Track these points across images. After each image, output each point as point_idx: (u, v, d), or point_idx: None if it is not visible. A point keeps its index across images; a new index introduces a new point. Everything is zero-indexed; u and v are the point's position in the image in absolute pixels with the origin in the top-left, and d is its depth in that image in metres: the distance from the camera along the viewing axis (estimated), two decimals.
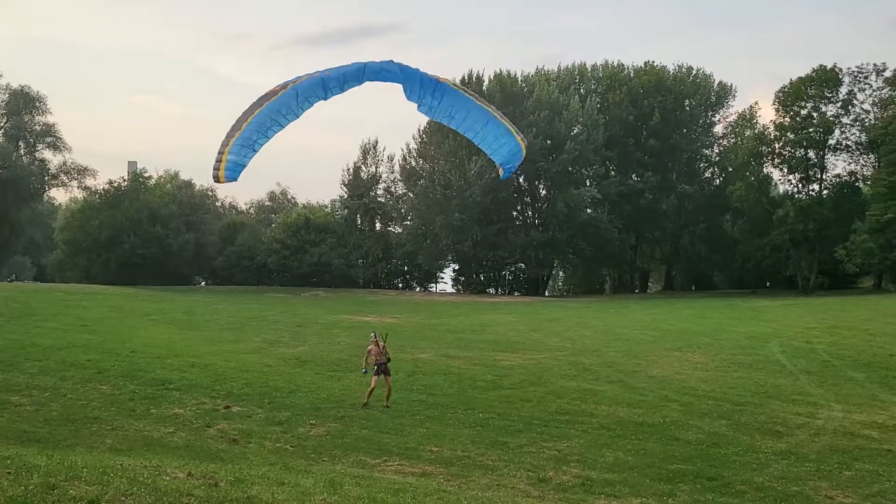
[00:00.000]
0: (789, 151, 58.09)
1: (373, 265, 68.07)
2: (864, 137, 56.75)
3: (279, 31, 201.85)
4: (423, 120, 67.87)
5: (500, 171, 14.71)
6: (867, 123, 56.61)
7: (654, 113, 64.25)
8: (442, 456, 13.80)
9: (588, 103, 63.78)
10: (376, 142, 71.25)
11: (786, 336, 29.97)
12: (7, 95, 72.36)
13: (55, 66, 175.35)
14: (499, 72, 66.01)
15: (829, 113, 56.88)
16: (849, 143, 57.67)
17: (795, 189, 60.26)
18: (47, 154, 74.90)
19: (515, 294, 67.91)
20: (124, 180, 67.39)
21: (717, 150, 69.31)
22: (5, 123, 73.64)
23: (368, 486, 9.07)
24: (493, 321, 37.00)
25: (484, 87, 64.86)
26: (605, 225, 62.77)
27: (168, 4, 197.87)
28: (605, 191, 63.18)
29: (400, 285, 71.56)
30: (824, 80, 56.02)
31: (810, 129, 56.24)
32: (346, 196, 71.41)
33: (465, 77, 66.19)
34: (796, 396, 19.93)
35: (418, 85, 13.33)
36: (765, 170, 60.40)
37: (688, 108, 67.39)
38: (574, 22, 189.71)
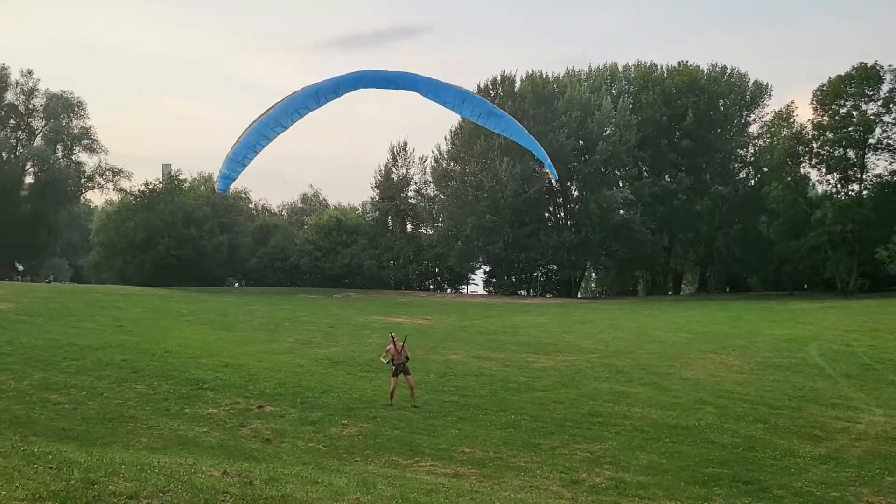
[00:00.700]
0: (828, 151, 57.05)
1: (404, 266, 68.22)
2: None
3: (309, 33, 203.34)
4: (453, 121, 68.01)
5: (550, 175, 15.43)
6: None
7: (688, 113, 63.59)
8: (474, 457, 13.75)
9: (620, 104, 63.35)
10: (405, 143, 71.47)
11: (824, 339, 29.44)
12: (45, 99, 73.88)
13: (88, 68, 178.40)
14: (530, 73, 65.90)
15: (869, 111, 55.77)
16: (890, 142, 56.43)
17: (834, 189, 59.22)
18: (83, 157, 76.40)
19: (547, 296, 67.60)
20: (159, 182, 68.31)
21: (752, 151, 68.35)
22: (44, 127, 75.16)
23: (401, 486, 9.06)
24: (525, 323, 36.86)
25: (515, 89, 64.77)
26: (638, 226, 62.28)
27: (201, 8, 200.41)
28: (637, 192, 62.69)
29: (431, 287, 71.64)
30: (865, 77, 54.95)
31: (850, 128, 55.17)
32: (377, 198, 71.70)
33: (497, 78, 66.19)
34: (836, 400, 19.55)
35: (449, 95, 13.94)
36: (802, 170, 59.44)
37: (722, 108, 66.54)
38: (604, 22, 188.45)
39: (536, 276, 71.72)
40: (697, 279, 77.08)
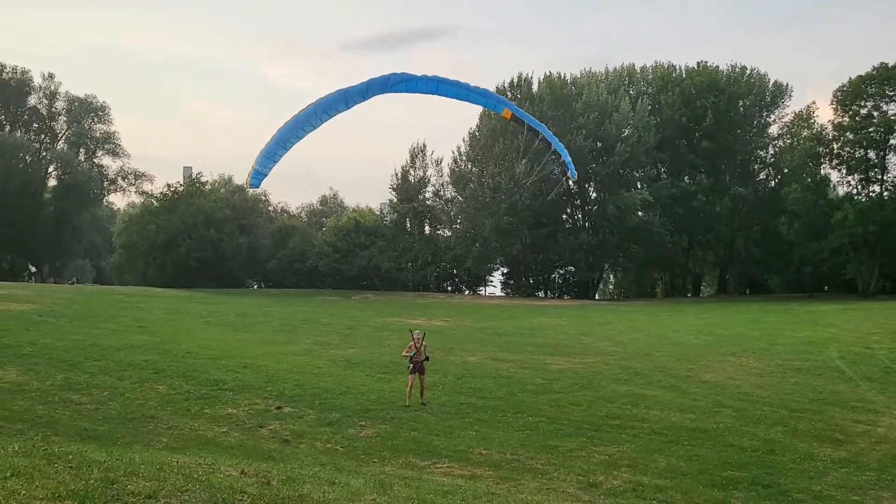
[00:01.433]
0: (848, 152, 56.52)
1: (422, 268, 68.31)
2: None
3: (331, 37, 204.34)
4: (472, 124, 68.04)
5: (569, 172, 16.40)
6: None
7: (707, 114, 63.23)
8: (491, 459, 13.76)
9: (639, 105, 63.08)
10: (424, 146, 71.67)
11: (845, 341, 29.16)
12: (67, 103, 74.80)
13: (113, 72, 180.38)
14: (548, 74, 65.82)
15: (890, 112, 55.17)
16: None
17: (855, 191, 58.62)
18: (106, 160, 77.28)
19: (565, 297, 67.45)
20: (180, 185, 68.93)
21: (772, 152, 67.83)
22: (67, 131, 76.08)
23: (418, 488, 9.09)
24: (543, 325, 36.80)
25: (533, 90, 64.68)
26: (657, 228, 61.98)
27: (223, 12, 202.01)
28: (656, 193, 62.38)
29: (449, 288, 71.68)
30: (886, 77, 54.39)
31: (871, 129, 54.65)
32: (395, 200, 71.85)
33: (515, 80, 66.12)
34: (856, 403, 19.36)
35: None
36: (822, 171, 58.93)
37: (742, 109, 66.10)
38: (623, 23, 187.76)
39: (554, 277, 71.58)
40: (717, 281, 76.57)
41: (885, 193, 56.81)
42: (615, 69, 70.31)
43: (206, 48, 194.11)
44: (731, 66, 67.65)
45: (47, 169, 75.37)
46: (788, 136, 63.80)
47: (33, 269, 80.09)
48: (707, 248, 72.88)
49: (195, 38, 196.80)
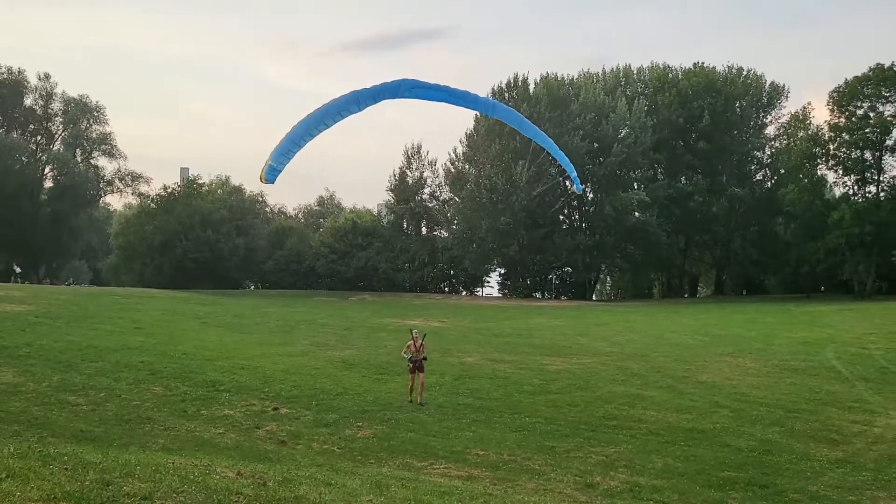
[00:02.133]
0: (844, 153, 56.62)
1: (419, 269, 68.26)
2: None
3: (328, 37, 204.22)
4: (468, 124, 68.06)
5: (574, 187, 16.86)
6: None
7: (704, 115, 63.29)
8: (488, 459, 13.77)
9: (636, 106, 63.12)
10: (420, 146, 71.65)
11: (841, 342, 29.22)
12: (63, 104, 74.64)
13: (111, 73, 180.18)
14: (545, 75, 65.82)
15: (886, 113, 55.28)
16: None
17: (851, 191, 58.72)
18: (102, 161, 77.15)
19: (562, 298, 67.45)
20: (177, 186, 68.87)
21: (768, 152, 67.88)
22: (63, 132, 75.94)
23: (414, 489, 9.09)
24: (540, 325, 36.82)
25: (530, 91, 64.69)
26: (654, 228, 62.00)
27: (221, 12, 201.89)
28: (653, 194, 62.41)
29: (446, 289, 71.64)
30: (882, 78, 54.48)
31: (867, 130, 54.73)
32: (392, 200, 71.83)
33: (511, 81, 66.10)
34: (853, 403, 19.40)
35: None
36: (819, 172, 59.02)
37: (738, 110, 66.17)
38: (621, 23, 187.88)
39: (551, 278, 71.57)
40: (714, 282, 76.64)
41: (882, 194, 56.91)
42: (612, 70, 70.36)
43: (206, 48, 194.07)
44: (728, 66, 67.76)
45: (44, 170, 75.20)
46: (785, 136, 63.90)
47: (18, 270, 79.73)
48: (704, 249, 72.96)
49: (194, 39, 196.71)
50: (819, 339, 30.27)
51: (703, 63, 67.91)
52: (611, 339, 31.36)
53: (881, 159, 56.69)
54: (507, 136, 59.80)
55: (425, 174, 71.20)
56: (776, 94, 67.18)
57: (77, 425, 14.72)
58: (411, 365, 18.56)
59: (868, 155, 56.69)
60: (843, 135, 55.53)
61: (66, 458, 7.25)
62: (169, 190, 68.06)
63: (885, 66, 54.64)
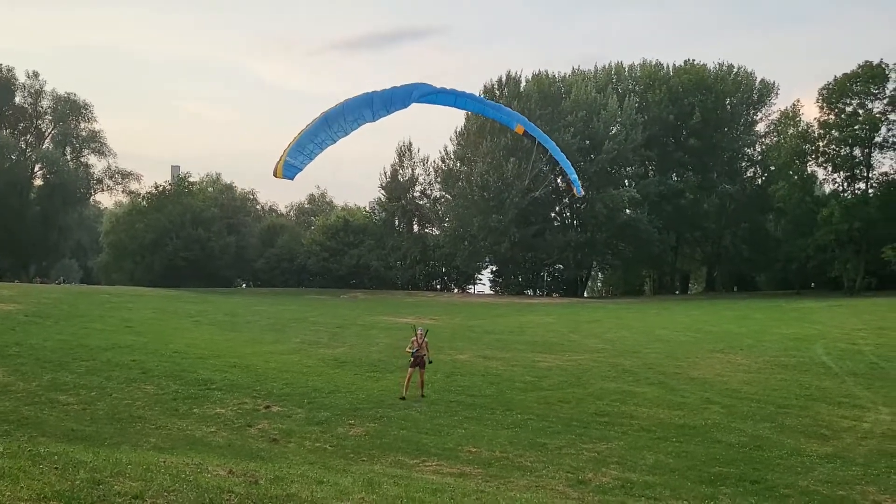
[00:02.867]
0: (834, 149, 56.91)
1: (411, 267, 68.27)
2: None
3: (320, 36, 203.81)
4: (459, 122, 68.07)
5: (574, 189, 17.43)
6: None
7: (695, 112, 63.49)
8: (480, 457, 13.77)
9: (626, 103, 63.26)
10: (411, 144, 71.74)
11: (831, 337, 29.34)
12: (52, 101, 74.23)
13: (102, 72, 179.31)
14: (536, 73, 65.86)
15: (875, 109, 55.64)
16: None
17: (841, 188, 59.03)
18: (92, 159, 76.81)
19: (554, 295, 67.58)
20: (168, 184, 68.66)
21: (759, 149, 68.21)
22: (52, 130, 75.54)
23: (406, 486, 9.09)
24: (532, 322, 36.85)
25: (521, 89, 64.72)
26: (645, 225, 62.17)
27: (212, 12, 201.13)
28: (644, 191, 62.58)
29: (438, 287, 71.70)
30: (870, 76, 54.78)
31: (856, 127, 55.03)
32: (383, 198, 71.78)
33: (503, 78, 66.11)
34: (842, 399, 19.49)
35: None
36: (808, 168, 59.33)
37: (729, 107, 66.41)
38: (612, 22, 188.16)
39: (543, 275, 71.72)
40: (704, 278, 76.93)
41: (871, 191, 57.25)
42: (603, 67, 70.59)
43: (198, 47, 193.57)
44: (719, 64, 68.07)
45: (33, 168, 74.80)
46: (775, 133, 64.21)
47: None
48: (695, 246, 73.19)
49: (186, 37, 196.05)
50: (809, 335, 30.39)
51: (693, 60, 68.24)
52: (602, 336, 31.41)
53: (870, 156, 57.04)
54: (498, 133, 59.87)
55: (417, 172, 71.29)
56: (766, 91, 67.44)
57: (68, 424, 14.65)
58: (413, 360, 18.92)
59: (857, 151, 57.01)
60: (833, 132, 55.82)
61: (56, 457, 7.22)
62: (160, 188, 67.86)
63: (874, 64, 54.95)
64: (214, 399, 17.76)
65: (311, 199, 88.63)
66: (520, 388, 20.66)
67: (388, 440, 14.78)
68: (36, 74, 73.79)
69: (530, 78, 65.63)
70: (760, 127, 68.43)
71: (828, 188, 60.95)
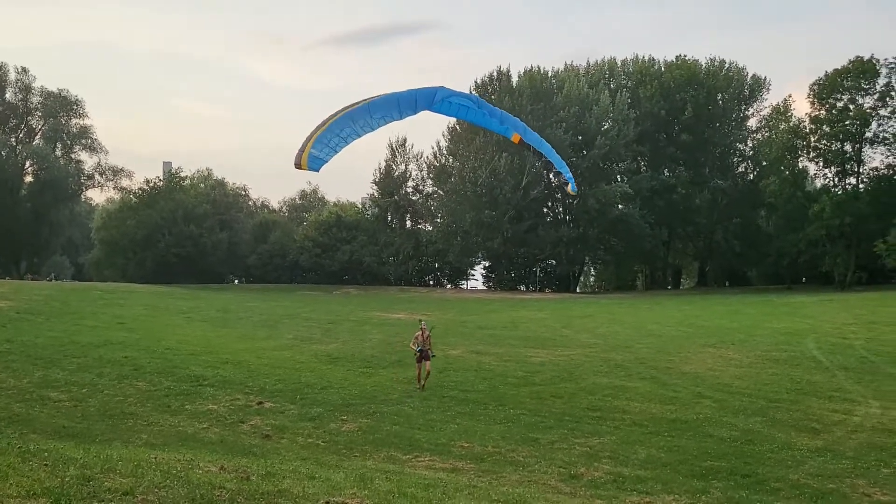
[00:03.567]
0: (825, 145, 57.04)
1: (403, 263, 68.24)
2: None
3: (312, 31, 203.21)
4: (450, 119, 67.90)
5: (569, 187, 17.80)
6: None
7: (687, 107, 63.57)
8: (473, 452, 13.79)
9: (618, 98, 63.30)
10: (405, 140, 71.59)
11: (822, 332, 29.45)
12: (42, 98, 73.76)
13: (97, 69, 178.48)
14: (529, 68, 65.78)
15: (865, 105, 55.77)
16: (886, 135, 56.38)
17: (832, 183, 59.20)
18: (83, 156, 76.40)
19: (546, 291, 67.64)
20: (159, 180, 68.39)
21: (750, 145, 68.35)
22: (43, 126, 75.09)
23: (399, 482, 9.09)
24: (524, 318, 36.89)
25: (513, 84, 64.67)
26: (637, 221, 62.26)
27: (204, 7, 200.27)
28: (636, 186, 62.67)
29: (431, 283, 71.68)
30: (861, 71, 54.90)
31: (847, 122, 55.18)
32: (376, 194, 71.67)
33: (495, 74, 66.04)
34: (833, 393, 19.58)
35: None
36: (800, 164, 59.48)
37: (720, 102, 66.53)
38: (605, 18, 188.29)
39: (535, 271, 71.79)
40: (696, 273, 77.12)
41: (861, 186, 57.43)
42: (595, 63, 70.58)
43: (189, 43, 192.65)
44: (710, 59, 68.11)
45: (24, 165, 74.34)
46: (766, 129, 64.30)
47: None
48: (687, 241, 73.34)
49: (177, 33, 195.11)
50: (800, 329, 30.51)
51: (685, 56, 68.27)
52: (594, 331, 31.47)
53: (861, 151, 57.19)
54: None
55: (410, 167, 71.19)
56: (757, 86, 67.57)
57: (59, 421, 14.61)
58: (418, 354, 19.34)
59: (848, 147, 57.16)
60: (824, 127, 55.94)
61: (46, 454, 7.19)
62: (151, 184, 67.61)
63: (865, 59, 55.05)
64: (206, 395, 17.74)
65: (304, 194, 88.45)
66: (512, 383, 20.69)
67: (381, 436, 14.79)
68: (26, 70, 73.33)
69: (522, 74, 65.59)
70: (752, 122, 68.66)
71: (819, 183, 61.11)
